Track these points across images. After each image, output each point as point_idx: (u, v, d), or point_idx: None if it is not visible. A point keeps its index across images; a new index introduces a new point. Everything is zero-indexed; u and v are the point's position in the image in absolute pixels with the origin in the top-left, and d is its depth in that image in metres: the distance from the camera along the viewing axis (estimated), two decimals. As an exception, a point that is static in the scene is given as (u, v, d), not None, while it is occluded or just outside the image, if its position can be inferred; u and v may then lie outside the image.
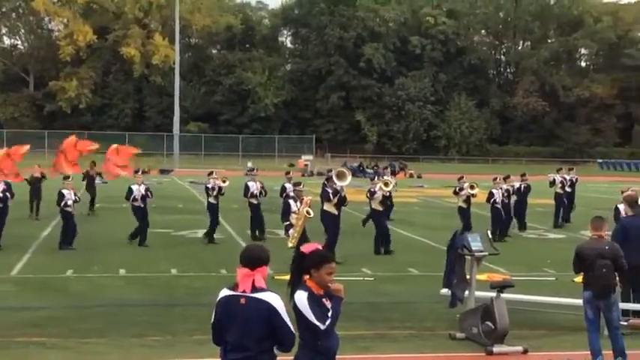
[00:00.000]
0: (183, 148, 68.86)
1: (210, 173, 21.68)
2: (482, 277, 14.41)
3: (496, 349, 10.45)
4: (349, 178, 18.95)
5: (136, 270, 16.48)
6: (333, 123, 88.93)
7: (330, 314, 5.56)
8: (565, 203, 26.39)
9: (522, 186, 24.37)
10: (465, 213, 21.58)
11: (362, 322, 11.85)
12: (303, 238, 15.94)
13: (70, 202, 19.16)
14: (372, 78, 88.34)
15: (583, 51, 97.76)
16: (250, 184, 21.71)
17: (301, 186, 17.93)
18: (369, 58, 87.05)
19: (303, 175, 51.26)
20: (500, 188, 22.42)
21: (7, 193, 19.12)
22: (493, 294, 11.03)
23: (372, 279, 15.97)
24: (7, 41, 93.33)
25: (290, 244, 15.93)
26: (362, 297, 13.74)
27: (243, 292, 5.41)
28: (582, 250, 10.12)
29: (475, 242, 11.61)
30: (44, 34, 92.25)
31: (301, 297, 5.57)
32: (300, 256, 5.74)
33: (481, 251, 11.66)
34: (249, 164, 59.15)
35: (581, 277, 10.23)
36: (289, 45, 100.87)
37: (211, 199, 20.87)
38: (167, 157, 68.92)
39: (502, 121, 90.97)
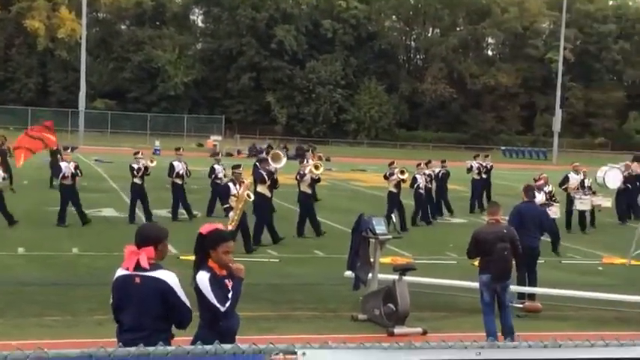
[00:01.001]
0: (89, 125, 67.13)
1: (137, 153, 21.30)
2: (387, 260, 14.64)
3: (397, 330, 10.65)
4: (284, 160, 19.34)
5: (36, 249, 16.08)
6: (243, 104, 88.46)
7: (230, 295, 5.55)
8: (480, 189, 26.92)
9: (441, 172, 24.81)
10: (394, 198, 21.65)
11: (265, 304, 11.90)
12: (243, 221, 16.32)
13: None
14: (283, 60, 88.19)
15: (490, 40, 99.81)
16: (176, 163, 21.49)
17: (240, 168, 17.73)
18: (280, 40, 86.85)
19: (211, 156, 50.86)
20: (424, 174, 22.78)
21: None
22: (395, 277, 11.23)
23: (277, 260, 16.03)
24: None
25: (230, 227, 15.90)
26: (266, 278, 13.78)
27: (138, 270, 5.34)
28: (480, 234, 10.46)
29: (379, 226, 11.81)
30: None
31: (202, 278, 5.55)
32: (199, 237, 5.71)
33: (385, 234, 11.87)
34: (157, 143, 58.35)
35: (479, 261, 10.53)
36: (200, 24, 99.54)
37: (137, 180, 20.51)
38: (72, 133, 67.14)
39: (411, 106, 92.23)
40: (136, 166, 20.47)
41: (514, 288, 12.68)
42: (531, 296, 12.79)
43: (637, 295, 12.88)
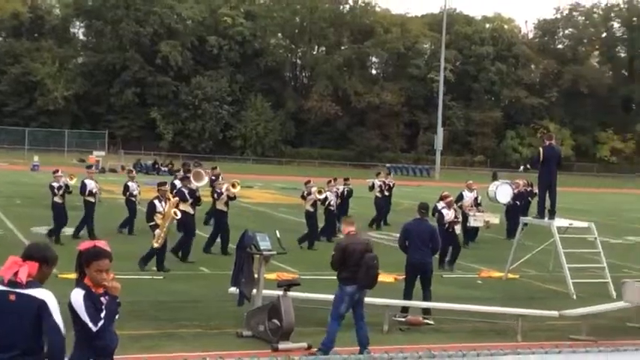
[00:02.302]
0: (-37, 139, 64.75)
1: (56, 172, 20.70)
2: (272, 276, 14.70)
3: (281, 345, 10.70)
4: (206, 179, 19.64)
5: None
6: (127, 119, 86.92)
7: (102, 315, 5.44)
8: (384, 207, 27.31)
9: (345, 190, 25.05)
10: (312, 216, 21.67)
11: (149, 321, 11.73)
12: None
13: None
14: (168, 75, 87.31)
15: (374, 59, 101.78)
16: (88, 181, 21.01)
17: (166, 186, 17.62)
18: (165, 55, 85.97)
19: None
20: (337, 190, 23.01)
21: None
22: (280, 292, 11.29)
23: (161, 277, 15.81)
24: None
25: (156, 245, 16.01)
26: (151, 296, 13.60)
27: (13, 286, 5.18)
28: (349, 246, 10.66)
29: (264, 241, 11.85)
30: None
31: (77, 295, 5.42)
32: (78, 253, 5.60)
33: (269, 250, 11.91)
34: (36, 158, 56.58)
35: (343, 272, 10.63)
36: (82, 37, 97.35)
37: (57, 199, 19.90)
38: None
39: (297, 123, 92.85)
40: (56, 185, 19.96)
41: (398, 302, 12.98)
42: (427, 311, 13.09)
43: (512, 307, 13.40)
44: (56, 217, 19.99)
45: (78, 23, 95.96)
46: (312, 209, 21.72)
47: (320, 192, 21.83)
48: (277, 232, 12.54)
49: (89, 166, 25.96)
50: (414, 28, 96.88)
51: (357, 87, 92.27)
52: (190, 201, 18.31)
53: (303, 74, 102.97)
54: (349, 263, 10.56)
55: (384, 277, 16.91)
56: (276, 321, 11.00)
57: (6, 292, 5.19)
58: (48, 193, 21.06)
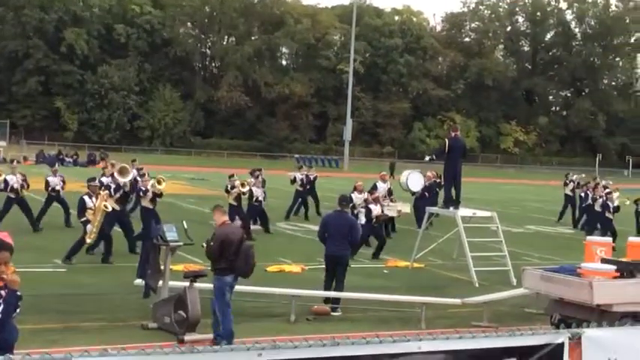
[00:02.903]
0: None
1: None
2: (180, 267, 14.59)
3: (187, 337, 10.65)
4: (132, 174, 19.40)
5: None
6: (30, 108, 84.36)
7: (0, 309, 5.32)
8: (300, 198, 27.33)
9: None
10: (236, 210, 21.38)
11: (52, 315, 11.49)
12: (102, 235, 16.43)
13: None
14: (73, 64, 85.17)
15: (284, 50, 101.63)
16: (9, 177, 20.53)
17: (96, 182, 17.45)
18: (70, 44, 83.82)
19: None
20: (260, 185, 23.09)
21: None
22: (187, 284, 11.22)
23: (64, 270, 15.49)
24: None
25: (89, 240, 15.97)
26: (55, 289, 13.32)
27: None
28: (227, 236, 10.67)
29: (170, 232, 11.75)
30: None
31: None
32: None
33: (176, 241, 11.81)
34: None
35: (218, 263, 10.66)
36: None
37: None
38: None
39: (206, 114, 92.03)
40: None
41: (306, 292, 13.06)
42: (335, 301, 13.18)
43: (417, 295, 13.66)
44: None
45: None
46: (235, 203, 21.58)
47: (243, 185, 21.74)
48: (184, 222, 12.45)
49: (12, 161, 25.14)
50: (325, 20, 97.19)
51: (267, 78, 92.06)
52: (116, 197, 18.00)
53: (213, 64, 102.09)
54: (227, 253, 10.56)
55: (291, 267, 17.05)
56: (182, 312, 10.94)
57: None
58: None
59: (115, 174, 18.71)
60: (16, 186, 20.46)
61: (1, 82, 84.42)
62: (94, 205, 16.40)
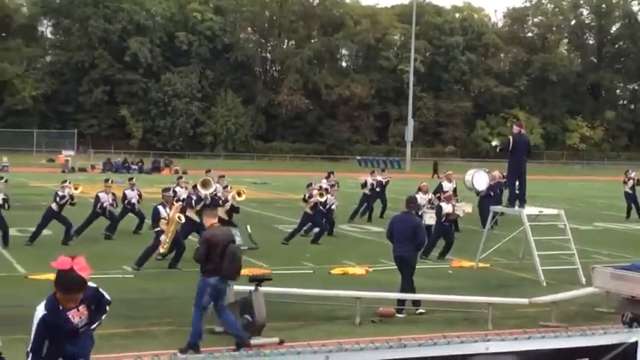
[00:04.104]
0: None
1: (64, 181, 20.42)
2: (244, 271, 14.66)
3: (254, 341, 10.68)
4: (214, 186, 19.73)
5: None
6: (96, 118, 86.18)
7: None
8: (366, 202, 27.09)
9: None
10: (309, 218, 21.51)
11: (121, 320, 11.62)
12: (176, 243, 16.47)
13: None
14: (137, 73, 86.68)
15: (344, 51, 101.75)
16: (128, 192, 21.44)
17: (170, 191, 17.75)
18: (134, 53, 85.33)
19: (63, 172, 49.36)
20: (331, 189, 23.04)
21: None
22: (252, 287, 11.28)
23: (132, 276, 15.74)
24: None
25: (162, 250, 16.14)
26: (122, 294, 13.48)
27: None
28: (212, 238, 10.67)
29: (235, 237, 11.80)
30: None
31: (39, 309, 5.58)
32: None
33: (241, 245, 11.89)
34: (5, 159, 56.01)
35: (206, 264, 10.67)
36: (50, 36, 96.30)
37: (53, 205, 19.57)
38: None
39: (267, 118, 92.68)
40: (60, 194, 19.64)
41: (370, 294, 12.99)
42: (400, 302, 13.12)
43: (483, 296, 13.49)
44: (44, 221, 19.70)
45: (46, 22, 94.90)
46: (311, 212, 21.65)
47: (321, 195, 21.82)
48: (248, 227, 12.55)
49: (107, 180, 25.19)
50: (384, 20, 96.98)
51: (327, 80, 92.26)
52: (197, 209, 18.28)
53: (274, 68, 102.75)
54: (213, 255, 10.56)
55: (355, 270, 17.02)
56: (248, 316, 11.00)
57: None
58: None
59: (198, 186, 19.05)
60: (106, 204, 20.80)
61: (69, 92, 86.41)
62: (168, 216, 16.52)
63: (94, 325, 5.85)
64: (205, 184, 19.04)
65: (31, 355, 5.54)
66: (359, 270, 17.05)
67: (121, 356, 9.76)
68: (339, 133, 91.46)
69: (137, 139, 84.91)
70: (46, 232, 20.11)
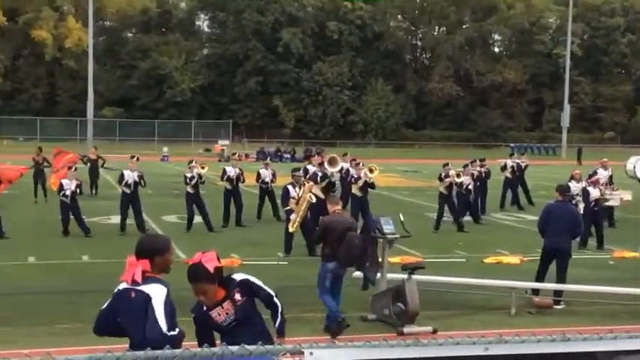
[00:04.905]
0: (97, 133, 67.27)
1: (190, 162, 21.11)
2: (396, 259, 14.62)
3: (407, 329, 10.63)
4: (340, 164, 19.91)
5: (46, 257, 16.13)
6: (250, 108, 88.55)
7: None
8: (510, 188, 26.64)
9: (483, 172, 24.63)
10: (445, 199, 21.45)
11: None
12: (306, 223, 16.49)
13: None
14: (289, 63, 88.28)
15: (496, 37, 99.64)
16: (228, 168, 21.56)
17: (300, 172, 17.98)
18: (286, 43, 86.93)
19: (219, 161, 50.93)
20: (472, 174, 22.74)
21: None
22: (405, 276, 11.21)
23: (285, 263, 16.02)
24: None
25: (291, 229, 16.20)
26: (276, 281, 13.72)
27: (134, 284, 5.25)
28: (330, 224, 10.80)
29: (387, 225, 11.76)
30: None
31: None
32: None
33: (393, 234, 11.83)
34: (165, 149, 58.50)
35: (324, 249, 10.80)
36: (206, 29, 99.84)
37: (189, 189, 20.21)
38: (80, 142, 67.42)
39: (418, 105, 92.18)
40: (189, 175, 20.23)
41: (525, 284, 12.63)
42: (557, 293, 12.69)
43: (648, 288, 12.83)
44: (189, 207, 20.20)
45: (202, 16, 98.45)
46: (445, 192, 21.46)
47: (458, 175, 21.55)
48: (401, 215, 12.45)
49: (234, 154, 26.08)
50: (539, 3, 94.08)
51: (478, 66, 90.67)
52: (322, 185, 18.38)
53: (424, 56, 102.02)
54: (330, 240, 10.68)
55: (509, 259, 16.61)
56: (400, 304, 10.95)
57: (129, 289, 5.28)
58: (177, 182, 21.66)
59: (325, 164, 19.11)
60: (233, 176, 21.22)
61: (224, 83, 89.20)
62: (297, 195, 16.54)
63: (278, 322, 5.92)
64: (332, 162, 19.08)
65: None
66: (513, 259, 16.65)
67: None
68: (491, 120, 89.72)
69: (289, 128, 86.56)
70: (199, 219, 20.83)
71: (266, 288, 5.97)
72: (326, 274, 10.78)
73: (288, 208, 16.68)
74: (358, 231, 11.34)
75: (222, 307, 5.72)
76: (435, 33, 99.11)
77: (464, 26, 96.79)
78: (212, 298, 5.67)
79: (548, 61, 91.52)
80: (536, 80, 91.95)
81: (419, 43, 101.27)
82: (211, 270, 5.55)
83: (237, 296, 5.72)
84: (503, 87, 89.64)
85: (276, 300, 6.01)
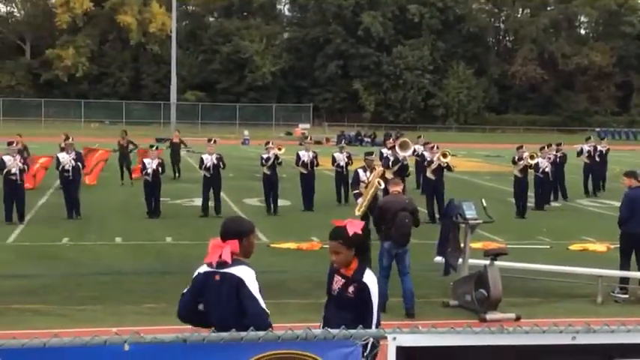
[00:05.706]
0: (180, 116, 68.48)
1: (267, 143, 21.43)
2: (478, 245, 14.45)
3: (489, 315, 10.51)
4: (412, 148, 19.88)
5: (132, 238, 16.53)
6: (330, 92, 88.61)
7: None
8: (591, 173, 26.10)
9: (559, 156, 24.17)
10: (520, 182, 21.19)
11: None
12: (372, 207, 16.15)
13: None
14: (370, 47, 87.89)
15: (583, 19, 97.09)
16: (302, 153, 21.73)
17: (372, 155, 17.85)
18: (367, 27, 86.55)
19: (300, 144, 51.19)
20: (549, 157, 22.37)
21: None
22: (487, 262, 11.08)
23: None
24: (2, 9, 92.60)
25: (357, 213, 15.82)
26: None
27: (219, 267, 5.18)
28: (385, 204, 11.22)
29: (469, 210, 11.62)
30: (40, 1, 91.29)
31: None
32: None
33: (475, 219, 11.68)
34: (246, 133, 59.11)
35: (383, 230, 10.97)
36: (287, 13, 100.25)
37: (266, 170, 20.49)
38: (164, 126, 68.73)
39: (500, 89, 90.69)
40: (265, 156, 20.46)
41: (612, 272, 12.27)
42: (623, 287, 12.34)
43: None
44: (267, 188, 20.45)
45: (283, 0, 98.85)
46: (520, 175, 21.10)
47: (532, 157, 21.16)
48: (483, 200, 12.28)
49: (306, 137, 26.34)
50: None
51: (564, 49, 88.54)
52: (394, 169, 18.28)
53: (507, 38, 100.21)
54: (386, 220, 10.90)
55: (596, 246, 16.23)
56: (483, 291, 10.82)
57: (212, 272, 5.22)
58: (257, 166, 21.84)
59: (397, 147, 18.99)
60: (306, 160, 21.33)
61: (304, 67, 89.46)
62: (367, 179, 16.38)
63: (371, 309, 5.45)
64: (403, 146, 18.90)
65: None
66: (599, 247, 16.25)
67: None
68: (576, 104, 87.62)
69: (369, 112, 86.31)
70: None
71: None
72: (383, 253, 10.99)
73: (357, 191, 16.56)
74: (419, 214, 11.43)
75: (342, 278, 5.65)
76: (519, 15, 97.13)
77: (548, 8, 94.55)
78: (343, 261, 5.62)
79: (636, 43, 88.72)
80: (623, 63, 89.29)
81: (502, 26, 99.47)
82: (349, 233, 5.54)
83: (352, 288, 5.54)
84: (590, 70, 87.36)
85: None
